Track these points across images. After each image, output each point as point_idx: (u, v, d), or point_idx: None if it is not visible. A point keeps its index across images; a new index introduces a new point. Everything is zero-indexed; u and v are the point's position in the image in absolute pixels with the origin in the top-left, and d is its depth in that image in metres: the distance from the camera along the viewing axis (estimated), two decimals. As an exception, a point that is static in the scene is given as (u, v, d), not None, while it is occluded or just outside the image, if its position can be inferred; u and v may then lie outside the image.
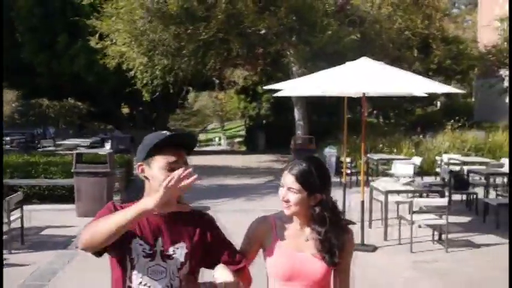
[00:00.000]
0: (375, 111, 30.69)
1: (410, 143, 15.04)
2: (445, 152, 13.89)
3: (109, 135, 19.95)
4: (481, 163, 11.49)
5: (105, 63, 16.30)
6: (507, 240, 7.41)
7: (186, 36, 14.76)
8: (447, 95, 30.65)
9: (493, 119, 21.67)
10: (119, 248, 1.95)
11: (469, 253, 6.99)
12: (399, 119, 29.09)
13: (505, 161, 11.59)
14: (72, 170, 9.27)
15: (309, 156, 2.29)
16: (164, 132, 2.05)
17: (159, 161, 1.99)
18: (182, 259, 2.00)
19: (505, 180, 9.74)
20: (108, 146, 11.83)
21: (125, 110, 31.94)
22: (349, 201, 8.22)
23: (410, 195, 7.85)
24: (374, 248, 6.95)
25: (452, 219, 8.61)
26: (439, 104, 32.48)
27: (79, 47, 20.22)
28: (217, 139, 32.31)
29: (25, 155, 12.14)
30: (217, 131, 42.51)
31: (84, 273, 5.89)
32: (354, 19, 16.07)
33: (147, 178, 2.02)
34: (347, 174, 9.74)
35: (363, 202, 7.21)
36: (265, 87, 11.12)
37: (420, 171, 12.36)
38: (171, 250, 1.99)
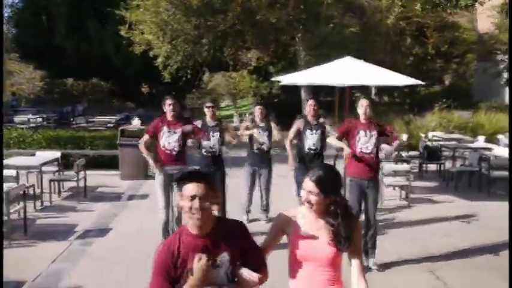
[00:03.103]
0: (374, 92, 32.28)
1: (401, 121, 16.94)
2: (432, 130, 15.79)
3: (135, 113, 21.98)
4: (457, 139, 13.43)
5: (132, 48, 18.29)
6: (459, 199, 9.54)
7: (205, 27, 16.73)
8: (455, 76, 32.41)
9: (489, 100, 23.32)
10: (179, 280, 2.48)
11: (426, 206, 9.07)
12: (406, 98, 30.75)
13: (481, 138, 13.59)
14: (117, 142, 11.45)
15: (325, 164, 3.06)
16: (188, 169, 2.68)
17: (181, 194, 2.50)
18: (228, 264, 2.51)
19: (467, 153, 11.68)
20: (136, 122, 13.77)
21: (145, 90, 33.97)
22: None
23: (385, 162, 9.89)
24: (353, 202, 9.04)
25: (422, 183, 10.78)
26: (447, 83, 34.16)
27: (108, 32, 22.20)
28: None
29: (70, 130, 14.34)
30: (229, 108, 44.32)
31: (137, 215, 8.17)
32: (355, 10, 17.93)
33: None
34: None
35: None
36: (272, 79, 13.12)
37: (410, 146, 14.31)
38: (218, 261, 2.49)
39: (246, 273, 2.49)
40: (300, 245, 2.67)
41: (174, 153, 6.35)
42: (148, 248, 6.42)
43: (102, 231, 7.34)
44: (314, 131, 7.15)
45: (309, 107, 7.26)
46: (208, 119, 7.19)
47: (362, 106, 5.93)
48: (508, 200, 9.04)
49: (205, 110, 7.26)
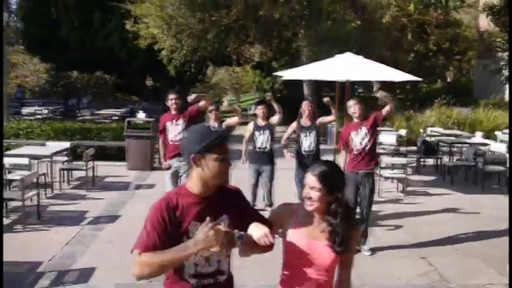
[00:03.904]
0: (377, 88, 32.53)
1: (402, 117, 17.27)
2: (431, 126, 16.11)
3: (141, 106, 22.36)
4: (455, 135, 13.76)
5: (138, 42, 18.62)
6: (454, 192, 9.87)
7: (210, 21, 17.04)
8: (457, 73, 32.71)
9: (489, 97, 23.57)
10: (174, 239, 2.27)
11: (421, 198, 9.40)
12: (408, 95, 31.04)
13: (478, 134, 13.92)
14: (124, 134, 11.80)
15: (328, 160, 2.76)
16: (212, 127, 2.43)
17: (215, 155, 2.30)
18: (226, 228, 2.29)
19: (464, 148, 12.02)
20: (141, 115, 14.13)
21: (149, 83, 34.31)
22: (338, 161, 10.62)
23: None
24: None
25: (420, 177, 11.12)
26: (449, 79, 34.53)
27: (113, 25, 22.52)
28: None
29: (78, 122, 14.70)
30: (232, 103, 44.67)
31: (145, 203, 8.44)
32: (357, 6, 18.18)
33: (199, 168, 2.32)
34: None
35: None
36: (274, 74, 13.46)
37: (409, 141, 14.63)
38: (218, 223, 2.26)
39: (259, 228, 2.32)
40: (297, 245, 2.49)
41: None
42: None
43: (112, 218, 7.71)
44: (308, 133, 7.36)
45: (304, 107, 7.46)
46: (211, 121, 7.38)
47: (350, 107, 6.37)
48: (501, 193, 9.44)
49: (208, 113, 7.47)
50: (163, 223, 2.30)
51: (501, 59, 22.78)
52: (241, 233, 2.33)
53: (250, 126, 8.14)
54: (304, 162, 7.38)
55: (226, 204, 2.41)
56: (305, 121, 7.48)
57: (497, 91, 23.91)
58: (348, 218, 2.50)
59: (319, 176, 2.45)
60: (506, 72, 21.99)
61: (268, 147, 7.84)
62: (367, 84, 32.23)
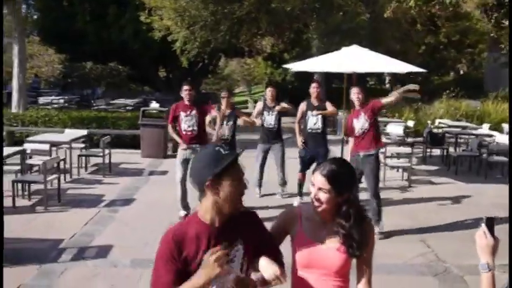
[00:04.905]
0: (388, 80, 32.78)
1: (411, 109, 17.51)
2: (440, 118, 16.34)
3: (154, 96, 22.78)
4: (462, 127, 14.00)
5: (151, 34, 19.00)
6: (458, 181, 10.16)
7: (222, 13, 17.38)
8: (469, 66, 32.75)
9: (499, 89, 23.66)
10: (188, 273, 2.11)
11: (425, 187, 9.69)
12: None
13: (485, 126, 14.16)
14: (139, 122, 12.21)
15: (338, 158, 2.56)
16: (218, 149, 2.18)
17: (231, 178, 2.13)
18: (241, 259, 2.21)
19: (470, 140, 12.28)
20: (154, 105, 14.53)
21: (161, 74, 34.75)
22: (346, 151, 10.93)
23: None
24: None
25: (425, 167, 11.43)
26: (461, 72, 34.64)
27: (127, 17, 22.90)
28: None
29: (93, 111, 15.15)
30: (244, 94, 45.02)
31: (158, 188, 8.94)
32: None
33: (215, 195, 2.13)
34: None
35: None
36: (283, 66, 13.80)
37: (417, 132, 14.87)
38: (232, 254, 2.16)
39: (271, 267, 2.17)
40: (304, 251, 2.36)
41: (194, 133, 7.00)
42: (169, 215, 7.17)
43: (127, 201, 8.13)
44: (315, 112, 7.70)
45: (312, 89, 7.79)
46: (223, 107, 7.77)
47: (354, 94, 6.75)
48: (503, 183, 9.72)
49: (221, 99, 7.86)
50: (170, 258, 2.15)
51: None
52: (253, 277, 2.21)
53: (260, 105, 8.52)
54: (308, 140, 7.74)
55: (239, 230, 2.24)
56: (313, 101, 7.81)
57: (507, 84, 23.96)
58: (361, 219, 2.36)
59: (329, 177, 2.29)
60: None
61: (277, 126, 8.22)
62: (378, 79, 32.58)
